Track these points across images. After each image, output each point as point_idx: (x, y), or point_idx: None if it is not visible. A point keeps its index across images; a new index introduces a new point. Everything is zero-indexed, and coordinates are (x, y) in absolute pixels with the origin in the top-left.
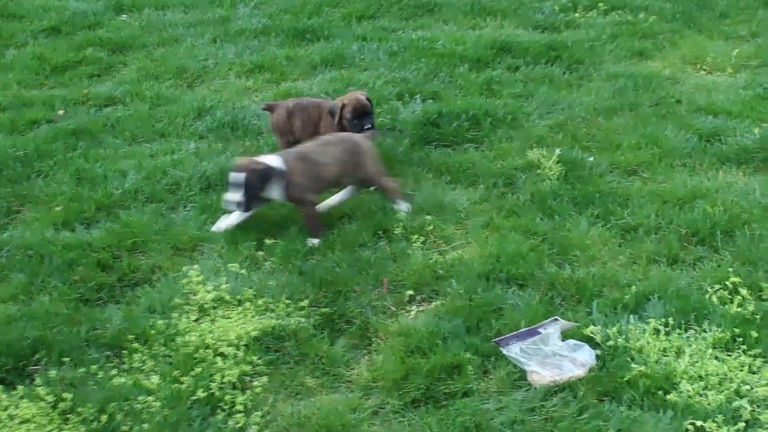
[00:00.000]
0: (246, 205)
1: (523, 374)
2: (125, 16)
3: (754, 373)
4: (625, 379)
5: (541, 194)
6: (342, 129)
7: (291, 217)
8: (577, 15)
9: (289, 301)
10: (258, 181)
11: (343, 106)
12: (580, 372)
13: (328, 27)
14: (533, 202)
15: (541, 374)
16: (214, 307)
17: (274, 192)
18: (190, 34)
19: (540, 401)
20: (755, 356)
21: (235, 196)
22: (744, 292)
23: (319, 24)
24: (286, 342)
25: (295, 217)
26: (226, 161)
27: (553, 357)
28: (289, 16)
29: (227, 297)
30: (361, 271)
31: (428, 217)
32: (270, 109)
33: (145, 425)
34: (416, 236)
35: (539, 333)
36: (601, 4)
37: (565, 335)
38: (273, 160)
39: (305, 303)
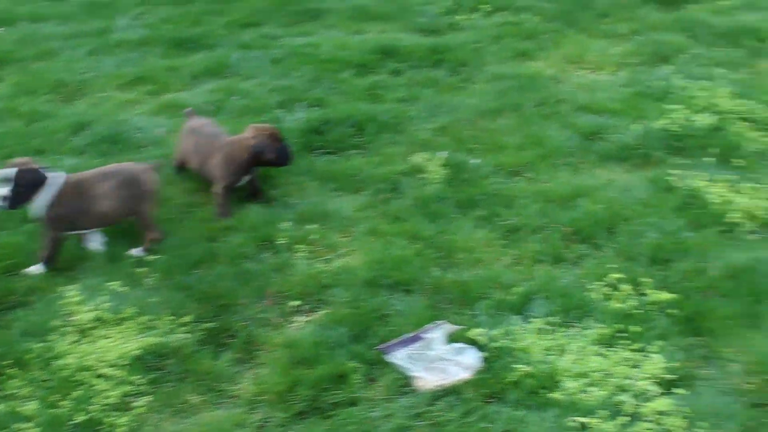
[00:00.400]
0: (11, 202)
1: (409, 380)
2: (2, 29)
3: (635, 367)
4: (510, 379)
5: (426, 198)
6: (260, 164)
7: (172, 232)
8: (460, 17)
9: (172, 317)
10: (26, 182)
11: (270, 135)
12: (465, 375)
13: (211, 36)
14: (418, 207)
15: (427, 379)
16: (94, 327)
17: (37, 203)
18: (67, 46)
19: (426, 406)
20: (636, 350)
21: (2, 190)
22: (625, 287)
23: (201, 33)
24: (169, 359)
25: (177, 231)
26: None
27: (439, 361)
28: (170, 25)
29: (107, 316)
30: (245, 284)
31: (313, 226)
32: (188, 117)
33: None
34: (301, 246)
35: (424, 338)
36: (484, 6)
37: (450, 339)
38: (56, 174)
39: (188, 318)
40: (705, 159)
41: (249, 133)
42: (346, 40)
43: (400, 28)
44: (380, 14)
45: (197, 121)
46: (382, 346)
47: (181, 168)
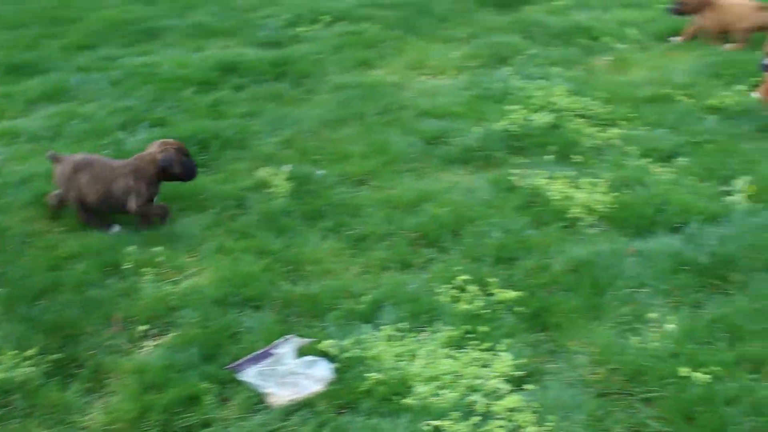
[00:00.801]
0: None
1: (262, 397)
2: None
3: (485, 366)
4: (362, 389)
5: (272, 213)
6: (167, 178)
7: (10, 263)
8: (301, 29)
9: (16, 352)
10: None
11: (177, 149)
12: (317, 387)
13: (47, 60)
14: (264, 222)
15: (280, 395)
16: None
17: None
18: None
19: (280, 422)
20: (485, 350)
21: None
22: (472, 288)
23: (37, 57)
24: (14, 395)
25: (18, 262)
26: None
27: (290, 376)
28: (2, 51)
29: None
30: (91, 312)
31: (159, 248)
32: (56, 160)
33: None
34: (147, 269)
35: (274, 354)
36: (324, 17)
37: (300, 352)
38: None
39: (33, 351)
40: (545, 157)
41: (155, 147)
42: (186, 58)
43: (242, 42)
44: (220, 30)
45: (79, 158)
46: (232, 364)
47: (59, 206)
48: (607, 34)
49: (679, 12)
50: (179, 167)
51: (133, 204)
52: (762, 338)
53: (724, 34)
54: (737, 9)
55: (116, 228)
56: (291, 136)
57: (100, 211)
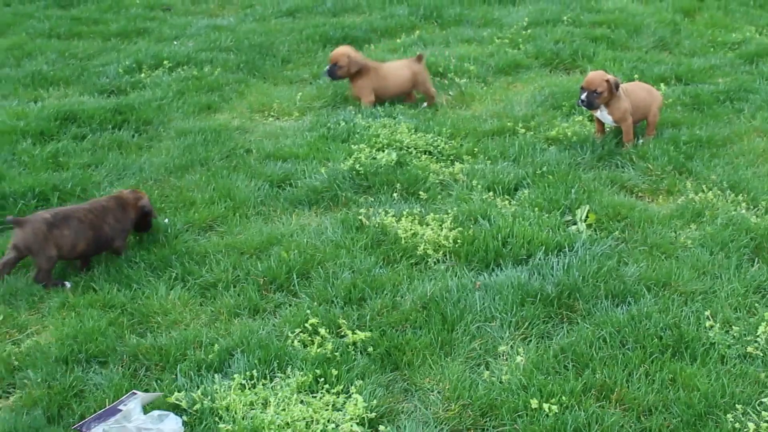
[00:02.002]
0: None
1: None
2: None
3: (338, 410)
4: None
5: (117, 265)
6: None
7: None
8: (142, 75)
9: None
10: None
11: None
12: None
13: None
14: (110, 274)
15: None
16: None
17: None
18: None
19: None
20: (338, 393)
21: None
22: (323, 331)
23: None
24: None
25: None
26: None
27: None
28: None
29: None
30: None
31: None
32: (18, 224)
33: None
34: None
35: (120, 410)
36: (165, 62)
37: (150, 407)
38: None
39: None
40: (392, 195)
41: (129, 193)
42: (23, 109)
43: (81, 91)
44: (59, 79)
45: (48, 215)
46: (78, 424)
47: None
48: (449, 70)
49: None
50: (152, 215)
51: (120, 242)
52: (607, 366)
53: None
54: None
55: (68, 284)
56: (135, 185)
57: (81, 257)
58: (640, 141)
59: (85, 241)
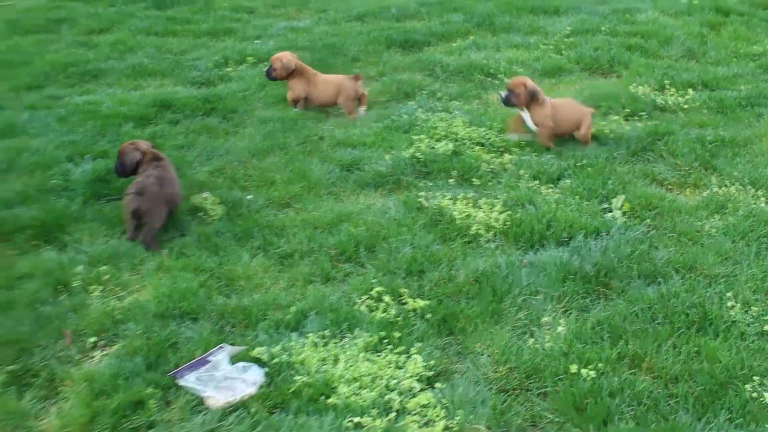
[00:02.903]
0: None
1: (200, 400)
2: None
3: (400, 368)
4: (291, 390)
5: (207, 234)
6: None
7: None
8: (229, 69)
9: None
10: None
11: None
12: (251, 390)
13: None
14: (200, 242)
15: (216, 398)
16: None
17: None
18: None
19: (218, 422)
20: (400, 353)
21: None
22: (387, 299)
23: None
24: None
25: None
26: None
27: (226, 380)
28: None
29: None
30: (43, 327)
31: (105, 267)
32: (140, 193)
33: None
34: (95, 286)
35: (210, 361)
36: (249, 58)
37: (235, 359)
38: None
39: None
40: (448, 180)
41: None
42: (126, 96)
43: (175, 82)
44: (156, 71)
45: (153, 177)
46: (174, 371)
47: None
48: (500, 72)
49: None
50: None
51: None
52: (638, 338)
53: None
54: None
55: (165, 251)
56: (222, 165)
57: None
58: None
59: (179, 195)
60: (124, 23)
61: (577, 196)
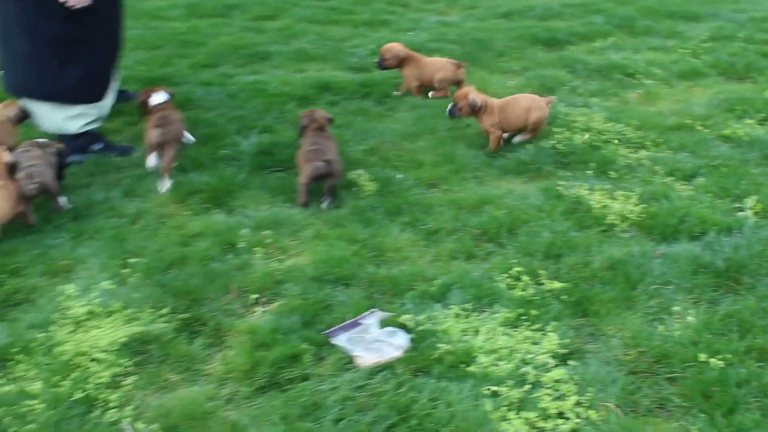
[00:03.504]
0: None
1: (350, 359)
2: None
3: (535, 344)
4: (433, 356)
5: (360, 207)
6: None
7: (148, 238)
8: None
9: (152, 310)
10: None
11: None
12: (397, 354)
13: (178, 75)
14: (354, 215)
15: (365, 357)
16: (87, 320)
17: None
18: None
19: (366, 380)
20: (536, 330)
21: None
22: (525, 278)
23: (170, 73)
24: (151, 345)
25: (154, 238)
26: (93, 193)
27: (374, 343)
28: (143, 67)
29: (98, 310)
30: (212, 281)
31: (267, 232)
32: (328, 162)
33: (31, 426)
34: (258, 248)
35: (361, 323)
36: None
37: (383, 323)
38: None
39: (166, 311)
40: (586, 172)
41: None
42: (289, 78)
43: (335, 67)
44: (318, 56)
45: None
46: (327, 331)
47: None
48: (638, 72)
49: (383, 66)
50: None
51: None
52: (767, 332)
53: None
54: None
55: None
56: (375, 146)
57: None
58: (517, 140)
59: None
60: (289, 11)
61: (710, 194)
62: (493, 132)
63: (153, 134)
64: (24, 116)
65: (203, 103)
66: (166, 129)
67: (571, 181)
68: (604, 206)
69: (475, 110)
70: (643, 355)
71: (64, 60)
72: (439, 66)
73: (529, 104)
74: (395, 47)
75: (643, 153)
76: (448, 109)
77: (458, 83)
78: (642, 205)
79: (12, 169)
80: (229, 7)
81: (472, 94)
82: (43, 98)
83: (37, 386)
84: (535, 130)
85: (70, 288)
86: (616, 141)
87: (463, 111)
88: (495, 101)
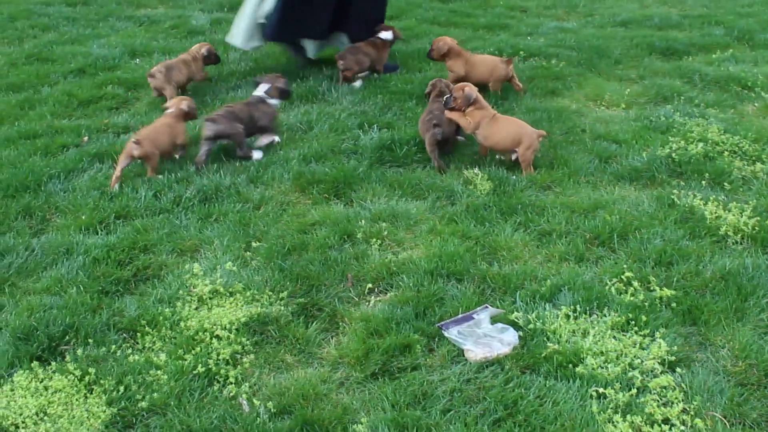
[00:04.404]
0: None
1: (460, 352)
2: (138, 60)
3: (643, 349)
4: (542, 355)
5: (475, 206)
6: None
7: (270, 224)
8: None
9: (272, 293)
10: None
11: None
12: (506, 350)
13: (303, 71)
14: (469, 212)
15: (475, 352)
16: (211, 298)
17: None
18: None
19: (474, 374)
20: (644, 336)
21: None
22: (635, 284)
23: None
24: (269, 326)
25: (276, 224)
26: (220, 179)
27: (485, 338)
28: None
29: (221, 289)
30: (329, 269)
31: (384, 224)
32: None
33: (155, 395)
34: (374, 240)
35: (473, 318)
36: (521, 52)
37: (494, 320)
38: None
39: (284, 294)
40: (701, 182)
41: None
42: (410, 76)
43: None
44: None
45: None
46: (439, 323)
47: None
48: (756, 85)
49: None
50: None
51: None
52: None
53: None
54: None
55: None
56: None
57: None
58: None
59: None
60: (411, 12)
61: None
62: (478, 137)
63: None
64: (214, 59)
65: (328, 97)
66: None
67: (685, 191)
68: (718, 217)
69: (470, 104)
70: (752, 368)
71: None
72: (491, 65)
73: (516, 130)
74: (441, 41)
75: (759, 166)
76: (444, 99)
77: (509, 80)
78: (756, 218)
79: (188, 116)
80: None
81: (467, 87)
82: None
83: (162, 358)
84: (525, 162)
85: (196, 267)
86: (732, 153)
87: (457, 102)
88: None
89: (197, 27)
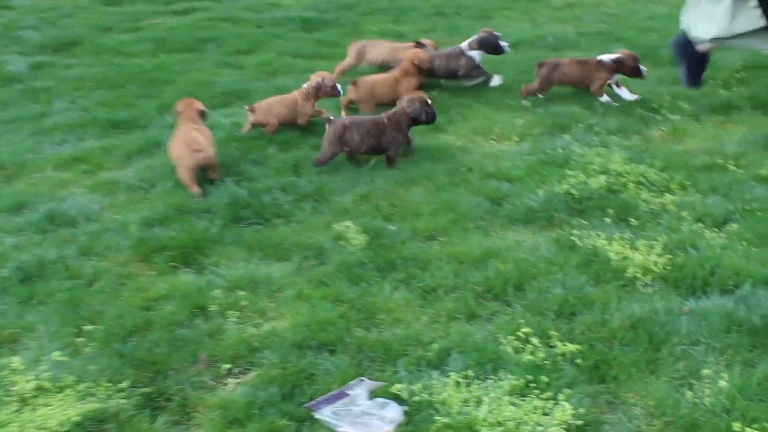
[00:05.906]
0: None
1: None
2: None
3: (546, 414)
4: (431, 431)
5: (348, 264)
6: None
7: (106, 302)
8: None
9: (110, 384)
10: None
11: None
12: (388, 428)
13: (143, 117)
14: (341, 272)
15: None
16: (35, 396)
17: None
18: (7, 130)
19: None
20: (546, 399)
21: None
22: (535, 340)
23: (135, 115)
24: (107, 424)
25: (113, 301)
26: (45, 252)
27: (363, 416)
28: (105, 108)
29: (48, 385)
30: (179, 349)
31: (242, 293)
32: (329, 121)
33: None
34: (231, 312)
35: (348, 395)
36: None
37: (373, 394)
38: None
39: (125, 384)
40: (604, 219)
41: (404, 103)
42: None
43: (320, 105)
44: None
45: (347, 120)
46: (310, 403)
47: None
48: (663, 107)
49: None
50: (425, 116)
51: (392, 153)
52: None
53: None
54: None
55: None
56: (366, 193)
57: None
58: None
59: (367, 145)
60: (270, 44)
61: (745, 242)
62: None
63: None
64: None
65: None
66: None
67: (587, 230)
68: (624, 258)
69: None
70: (669, 426)
71: None
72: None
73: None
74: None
75: (668, 197)
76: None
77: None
78: (667, 256)
79: (202, 115)
80: (202, 41)
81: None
82: None
83: None
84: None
85: (16, 361)
86: (637, 184)
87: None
88: None
89: (13, 74)
